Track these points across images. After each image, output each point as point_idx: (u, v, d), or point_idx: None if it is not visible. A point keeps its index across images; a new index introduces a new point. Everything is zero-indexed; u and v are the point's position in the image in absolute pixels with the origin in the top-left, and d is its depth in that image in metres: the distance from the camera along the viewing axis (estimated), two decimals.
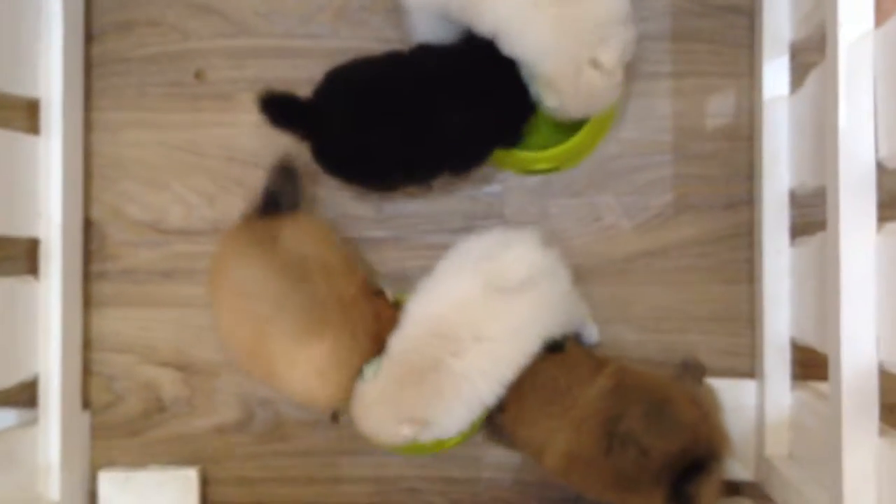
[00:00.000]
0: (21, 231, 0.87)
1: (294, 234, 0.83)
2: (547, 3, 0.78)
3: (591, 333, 0.92)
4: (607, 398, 0.81)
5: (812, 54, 0.84)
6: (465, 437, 0.91)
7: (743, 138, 0.93)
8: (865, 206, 0.62)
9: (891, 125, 0.60)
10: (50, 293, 0.89)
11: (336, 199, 0.96)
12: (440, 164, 0.87)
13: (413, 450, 0.92)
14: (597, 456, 0.79)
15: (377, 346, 0.83)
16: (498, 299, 0.80)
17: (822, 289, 0.71)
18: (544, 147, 0.90)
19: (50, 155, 0.90)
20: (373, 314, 0.84)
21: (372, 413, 0.82)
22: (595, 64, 0.80)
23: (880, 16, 0.62)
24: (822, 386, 0.82)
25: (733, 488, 0.91)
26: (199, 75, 0.97)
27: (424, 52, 0.86)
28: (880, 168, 0.63)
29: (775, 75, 0.87)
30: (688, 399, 0.80)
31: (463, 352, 0.80)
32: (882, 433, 0.62)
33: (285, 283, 0.80)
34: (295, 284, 0.80)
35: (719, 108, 0.94)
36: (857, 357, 0.62)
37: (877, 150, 0.62)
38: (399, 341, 0.82)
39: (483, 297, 0.81)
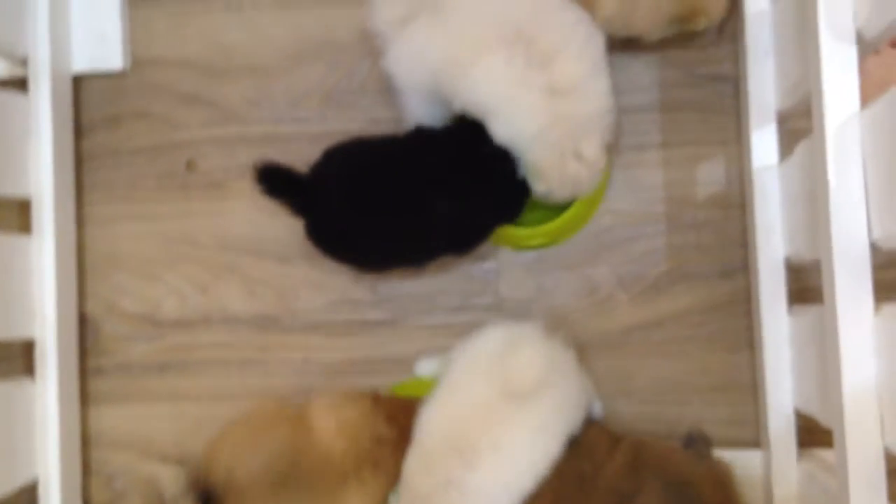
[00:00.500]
0: (16, 333, 0.87)
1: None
2: (536, 87, 0.78)
3: (597, 409, 0.91)
4: (623, 475, 0.79)
5: (800, 120, 0.84)
6: None
7: (735, 206, 0.93)
8: (862, 288, 0.62)
9: (882, 206, 0.60)
10: (47, 394, 0.89)
11: (332, 282, 0.96)
12: (435, 247, 0.87)
13: None
14: None
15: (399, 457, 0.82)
16: (511, 405, 0.79)
17: (823, 362, 0.70)
18: (538, 223, 0.90)
19: (43, 254, 0.90)
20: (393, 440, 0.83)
21: None
22: (578, 156, 0.80)
23: (865, 81, 0.62)
24: (828, 454, 0.81)
25: None
26: (189, 165, 0.98)
27: (420, 136, 0.86)
28: (875, 248, 0.63)
29: (763, 144, 0.87)
30: (711, 480, 0.78)
31: (480, 463, 0.77)
32: None
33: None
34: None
35: (710, 176, 0.94)
36: (862, 439, 0.62)
37: (870, 231, 0.62)
38: (413, 461, 0.80)
39: (497, 403, 0.79)
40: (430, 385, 0.89)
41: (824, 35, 0.62)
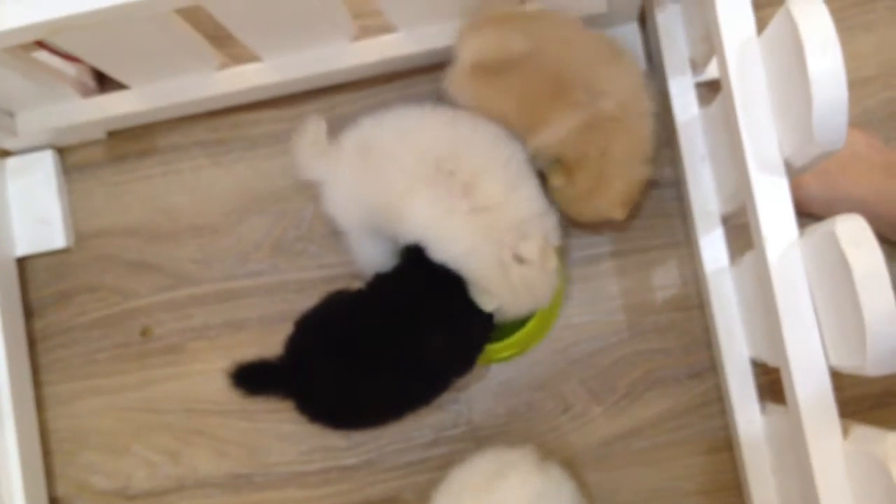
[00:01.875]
0: None
1: None
2: (461, 211, 0.79)
3: None
4: None
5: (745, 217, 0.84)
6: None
7: (694, 307, 0.93)
8: (827, 411, 0.62)
9: (836, 336, 0.60)
10: None
11: (303, 431, 0.94)
12: (441, 379, 0.85)
13: None
14: None
15: None
16: None
17: (801, 470, 0.69)
18: (504, 335, 0.89)
19: (5, 444, 0.89)
20: None
21: None
22: (520, 260, 0.81)
23: (793, 187, 0.63)
24: None
25: None
26: (144, 332, 0.97)
27: (382, 281, 0.85)
28: (835, 372, 0.63)
29: (712, 247, 0.88)
30: None
31: None
32: None
33: None
34: None
35: (665, 279, 0.94)
36: None
37: (827, 357, 0.62)
38: None
39: None
40: None
41: (753, 170, 0.63)
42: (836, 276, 0.58)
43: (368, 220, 0.84)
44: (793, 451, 0.71)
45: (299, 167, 0.87)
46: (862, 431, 0.60)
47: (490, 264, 0.81)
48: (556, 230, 0.84)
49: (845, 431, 0.62)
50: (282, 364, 0.83)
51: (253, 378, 0.83)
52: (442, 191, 0.80)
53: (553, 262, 0.83)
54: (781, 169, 0.62)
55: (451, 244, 0.81)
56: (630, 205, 0.85)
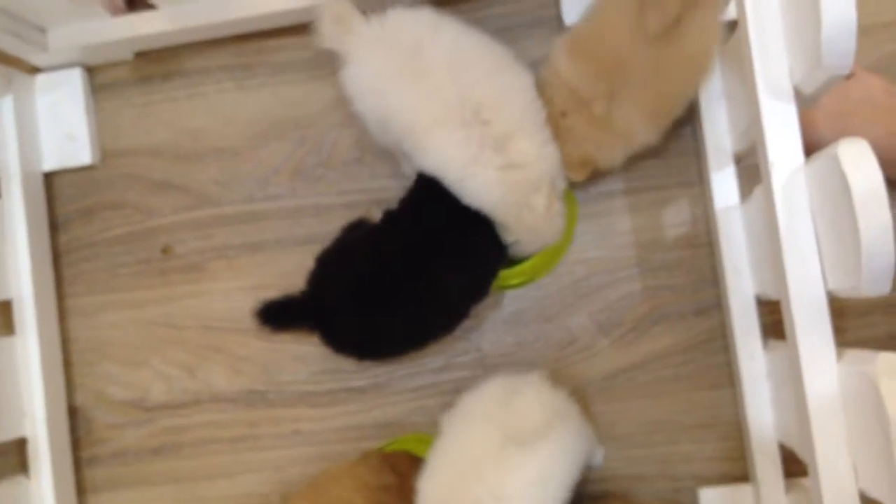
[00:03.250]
0: (7, 434, 0.88)
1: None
2: (489, 165, 0.79)
3: (598, 457, 0.92)
4: None
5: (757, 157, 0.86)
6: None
7: (703, 245, 0.95)
8: (822, 333, 0.64)
9: (833, 258, 0.62)
10: (43, 490, 0.90)
11: (315, 353, 0.97)
12: (451, 316, 0.87)
13: None
14: None
15: None
16: (514, 452, 0.80)
17: (798, 402, 0.71)
18: (514, 263, 0.91)
19: (28, 352, 0.92)
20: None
21: None
22: (530, 207, 0.82)
23: (805, 128, 0.64)
24: None
25: None
26: (166, 250, 0.99)
27: (400, 216, 0.86)
28: (832, 295, 0.64)
29: (724, 185, 0.89)
30: None
31: None
32: None
33: None
34: None
35: (676, 218, 0.96)
36: (837, 485, 0.63)
37: (825, 282, 0.64)
38: None
39: (498, 452, 0.79)
40: (418, 440, 0.90)
41: (763, 95, 0.64)
42: (837, 197, 0.59)
43: (383, 124, 0.83)
44: (791, 383, 0.72)
45: (323, 38, 0.83)
46: (855, 353, 0.62)
47: (508, 209, 0.82)
48: (562, 174, 0.85)
49: (840, 355, 0.64)
50: (304, 300, 0.85)
51: (278, 315, 0.86)
52: (473, 139, 0.79)
53: (559, 207, 0.84)
54: (791, 96, 0.64)
55: (472, 193, 0.82)
56: (589, 167, 0.86)
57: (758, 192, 0.80)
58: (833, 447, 0.63)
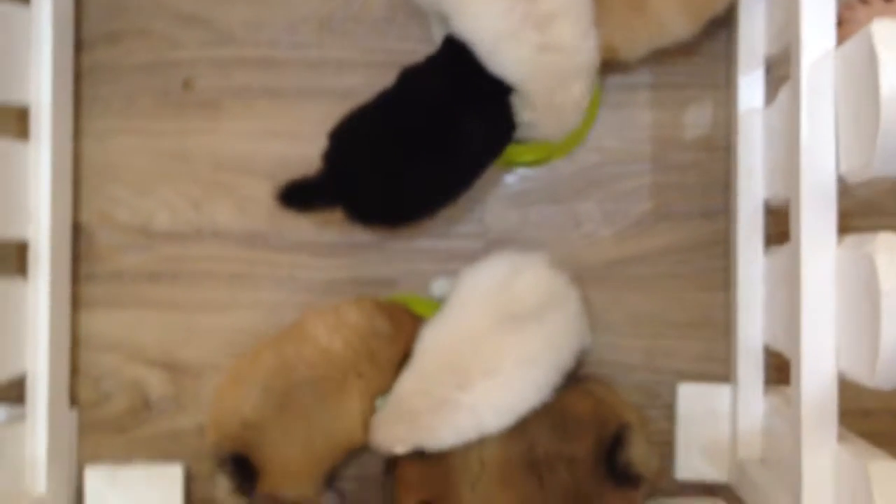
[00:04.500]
0: (10, 233, 0.89)
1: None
2: (529, 42, 0.79)
3: (587, 342, 0.92)
4: (509, 440, 0.82)
5: (787, 68, 0.85)
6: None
7: (720, 149, 0.95)
8: (826, 219, 0.64)
9: (850, 142, 0.62)
10: (39, 294, 0.91)
11: None
12: (478, 163, 0.86)
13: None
14: (539, 493, 0.81)
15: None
16: (509, 331, 0.81)
17: (790, 304, 0.72)
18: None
19: (39, 160, 0.92)
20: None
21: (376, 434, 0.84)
22: (565, 95, 0.82)
23: (841, 36, 0.64)
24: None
25: (708, 490, 0.93)
26: (186, 84, 0.99)
27: (410, 76, 0.86)
28: (842, 182, 0.65)
29: (750, 88, 0.89)
30: (577, 396, 0.84)
31: (471, 386, 0.80)
32: (841, 438, 0.64)
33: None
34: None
35: (697, 119, 0.96)
36: (817, 365, 0.64)
37: (838, 166, 0.64)
38: (409, 380, 0.83)
39: (493, 329, 0.81)
40: (416, 301, 0.92)
41: None
42: (862, 79, 0.59)
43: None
44: (788, 282, 0.73)
45: None
46: (856, 236, 0.63)
47: (539, 90, 0.82)
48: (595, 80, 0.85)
49: (840, 242, 0.65)
50: (324, 177, 0.84)
51: (299, 196, 0.85)
52: (517, 11, 0.78)
53: (587, 102, 0.84)
54: None
55: (503, 66, 0.81)
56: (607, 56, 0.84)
57: (783, 93, 0.80)
58: (821, 326, 0.64)
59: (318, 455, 0.85)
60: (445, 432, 0.82)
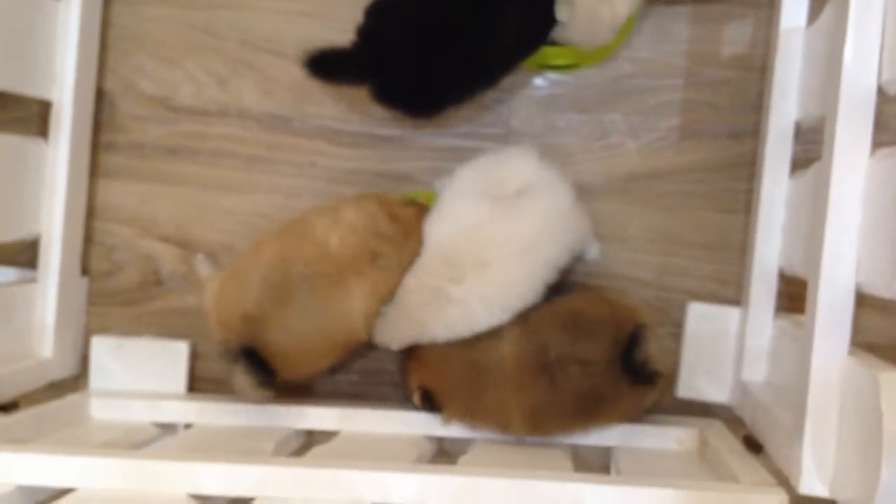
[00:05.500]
0: (34, 91, 0.88)
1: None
2: None
3: (592, 253, 0.93)
4: (521, 342, 0.82)
5: None
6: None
7: (755, 69, 0.93)
8: (862, 130, 0.63)
9: (894, 52, 0.61)
10: (58, 157, 0.91)
11: (348, 91, 0.96)
12: (507, 56, 0.85)
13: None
14: (550, 394, 0.81)
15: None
16: (499, 218, 0.81)
17: (814, 218, 0.71)
18: None
19: (68, 20, 0.91)
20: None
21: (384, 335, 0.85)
22: (607, 8, 0.81)
23: None
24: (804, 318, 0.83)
25: (706, 409, 0.93)
26: None
27: None
28: (881, 94, 0.63)
29: (794, 5, 0.87)
30: (591, 299, 0.85)
31: (462, 278, 0.81)
32: (851, 353, 0.64)
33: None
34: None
35: (736, 36, 0.94)
36: (835, 278, 0.64)
37: (879, 75, 0.63)
38: (411, 276, 0.84)
39: (485, 218, 0.82)
40: (427, 197, 0.91)
41: None
42: None
43: None
44: (812, 204, 0.72)
45: None
46: (890, 148, 0.62)
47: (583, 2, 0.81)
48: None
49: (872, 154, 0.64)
50: (356, 50, 0.83)
51: (328, 65, 0.84)
52: None
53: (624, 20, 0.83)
54: None
55: None
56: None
57: (827, 10, 0.78)
58: (844, 238, 0.63)
59: (317, 349, 0.85)
60: (436, 326, 0.83)
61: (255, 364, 0.81)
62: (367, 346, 0.88)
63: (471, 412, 0.85)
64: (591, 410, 0.83)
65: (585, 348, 0.81)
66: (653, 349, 0.81)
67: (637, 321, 0.82)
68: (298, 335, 0.83)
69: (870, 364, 0.60)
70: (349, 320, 0.84)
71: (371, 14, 0.83)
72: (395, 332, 0.85)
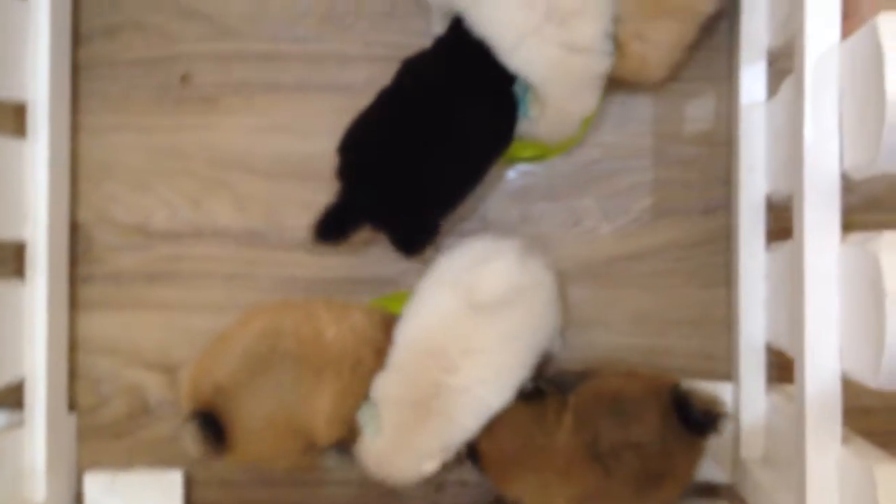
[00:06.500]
0: (7, 233, 0.88)
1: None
2: (549, 40, 0.77)
3: (556, 345, 0.91)
4: (575, 432, 0.81)
5: (789, 61, 0.84)
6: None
7: (721, 143, 0.94)
8: (830, 215, 0.64)
9: (854, 138, 0.61)
10: (36, 296, 0.90)
11: (319, 201, 0.91)
12: (483, 163, 0.85)
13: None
14: (604, 484, 0.79)
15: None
16: (477, 316, 0.80)
17: (792, 300, 0.71)
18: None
19: (36, 158, 0.91)
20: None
21: (392, 466, 0.82)
22: (576, 104, 0.82)
23: (846, 30, 0.64)
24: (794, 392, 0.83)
25: (711, 490, 0.92)
26: (184, 79, 0.98)
27: (410, 72, 0.85)
28: (846, 178, 0.64)
29: (752, 81, 0.88)
30: (621, 379, 0.82)
31: (455, 367, 0.79)
32: (845, 440, 0.63)
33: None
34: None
35: (698, 112, 0.95)
36: (820, 365, 0.64)
37: (842, 162, 0.63)
38: (391, 382, 0.82)
39: (462, 313, 0.80)
40: (397, 299, 0.91)
41: None
42: (868, 74, 0.58)
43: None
44: (789, 279, 0.72)
45: None
46: (860, 234, 0.62)
47: (554, 96, 0.81)
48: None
49: (843, 239, 0.64)
50: (346, 194, 0.83)
51: (332, 224, 0.84)
52: (539, 5, 0.76)
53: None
54: None
55: (524, 65, 0.80)
56: None
57: (785, 85, 0.79)
58: (824, 325, 0.63)
59: (276, 428, 0.82)
60: (460, 417, 0.80)
61: (209, 429, 0.80)
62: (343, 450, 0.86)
63: (510, 482, 0.83)
64: (653, 490, 0.81)
65: (638, 431, 0.79)
66: (703, 396, 0.79)
67: (669, 383, 0.80)
68: (262, 408, 0.81)
69: (865, 454, 0.60)
70: (310, 416, 0.82)
71: (345, 149, 0.83)
72: (430, 437, 0.81)
